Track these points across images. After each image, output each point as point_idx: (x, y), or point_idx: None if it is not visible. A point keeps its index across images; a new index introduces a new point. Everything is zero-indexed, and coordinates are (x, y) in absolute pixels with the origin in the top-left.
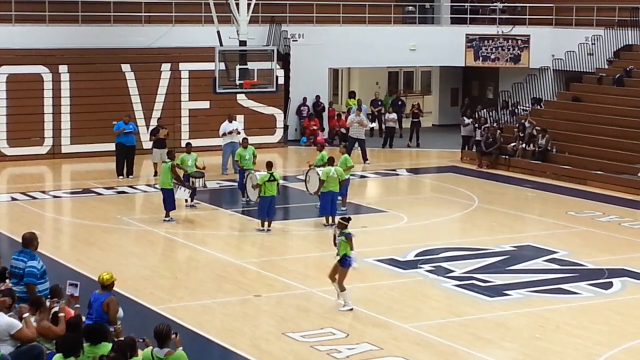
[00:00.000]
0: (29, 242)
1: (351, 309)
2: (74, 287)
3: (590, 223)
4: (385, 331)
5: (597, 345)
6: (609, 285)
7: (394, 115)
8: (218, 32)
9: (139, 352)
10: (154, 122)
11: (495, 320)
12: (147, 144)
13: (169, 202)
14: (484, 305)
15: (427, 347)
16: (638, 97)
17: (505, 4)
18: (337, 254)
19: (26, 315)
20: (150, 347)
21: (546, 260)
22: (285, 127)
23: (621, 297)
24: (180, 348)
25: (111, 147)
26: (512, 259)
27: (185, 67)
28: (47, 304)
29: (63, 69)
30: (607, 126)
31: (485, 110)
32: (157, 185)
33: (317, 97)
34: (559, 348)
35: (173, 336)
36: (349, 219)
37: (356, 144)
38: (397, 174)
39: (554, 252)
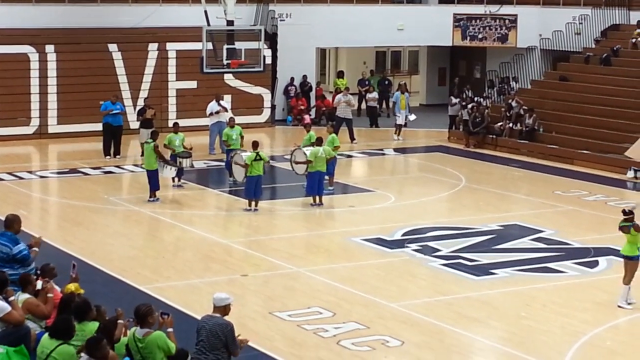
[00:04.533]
0: (10, 224)
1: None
2: (72, 268)
3: (576, 202)
4: (372, 310)
5: (583, 323)
6: (594, 264)
7: (374, 95)
8: (205, 12)
9: (128, 332)
10: (141, 102)
11: (482, 299)
12: (135, 124)
13: (154, 182)
14: (471, 284)
15: (414, 325)
16: (625, 77)
17: None
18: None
19: (12, 298)
20: (135, 327)
21: (532, 239)
22: (273, 107)
23: (607, 276)
24: (171, 329)
25: (98, 127)
26: (499, 238)
27: (172, 47)
28: (38, 283)
29: (50, 48)
30: (594, 105)
31: (472, 90)
32: (143, 166)
33: (305, 76)
34: (545, 326)
35: (165, 317)
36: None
37: (343, 124)
38: (384, 154)
39: (541, 231)
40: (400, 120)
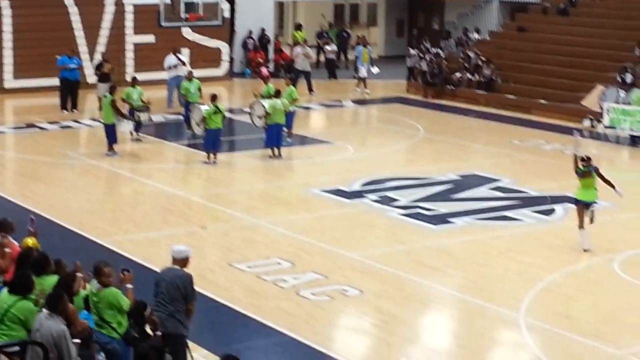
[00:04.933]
0: None
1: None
2: (30, 223)
3: (533, 151)
4: (331, 260)
5: (539, 270)
6: (551, 212)
7: (333, 47)
8: None
9: (87, 286)
10: (98, 57)
11: (440, 247)
12: (92, 79)
13: (112, 136)
14: (429, 233)
15: (373, 275)
16: (582, 27)
17: None
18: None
19: None
20: (93, 282)
21: (490, 189)
22: (231, 60)
23: (563, 223)
24: (130, 285)
25: (55, 82)
26: (457, 187)
27: (129, 1)
28: None
29: (5, 3)
30: (552, 56)
31: (430, 41)
32: (101, 120)
33: (263, 30)
34: (502, 274)
35: (126, 272)
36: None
37: (302, 76)
38: (343, 105)
39: (498, 180)
40: (363, 73)
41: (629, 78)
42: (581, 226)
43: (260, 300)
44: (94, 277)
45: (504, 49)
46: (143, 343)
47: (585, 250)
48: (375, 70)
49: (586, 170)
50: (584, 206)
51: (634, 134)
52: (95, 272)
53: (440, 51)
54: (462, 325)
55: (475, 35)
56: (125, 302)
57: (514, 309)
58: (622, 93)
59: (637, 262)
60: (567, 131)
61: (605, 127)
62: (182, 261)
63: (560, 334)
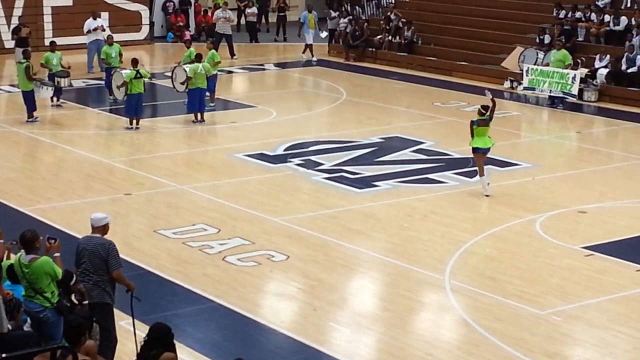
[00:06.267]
0: None
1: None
2: None
3: (455, 113)
4: (256, 225)
5: (463, 232)
6: (474, 174)
7: (254, 10)
8: None
9: (12, 256)
10: (15, 21)
11: (365, 211)
12: (9, 43)
13: (30, 103)
14: (353, 197)
15: (298, 240)
16: None
17: None
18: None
19: None
20: (21, 252)
21: (413, 151)
22: (151, 24)
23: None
24: (57, 254)
25: None
26: (380, 150)
27: None
28: None
29: None
30: (472, 17)
31: (351, 3)
32: (19, 87)
33: None
34: (427, 236)
35: (52, 241)
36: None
37: (223, 39)
38: (265, 69)
39: (421, 143)
40: (309, 40)
41: (547, 39)
42: (482, 174)
43: (187, 267)
44: (21, 247)
45: (424, 10)
46: (72, 314)
47: (486, 196)
48: (323, 34)
49: (486, 118)
50: (482, 154)
51: (553, 94)
52: (26, 242)
53: (360, 13)
54: (388, 288)
55: None
56: (59, 271)
57: (439, 272)
58: (540, 54)
59: (559, 223)
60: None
61: (525, 88)
62: (102, 228)
63: (485, 295)
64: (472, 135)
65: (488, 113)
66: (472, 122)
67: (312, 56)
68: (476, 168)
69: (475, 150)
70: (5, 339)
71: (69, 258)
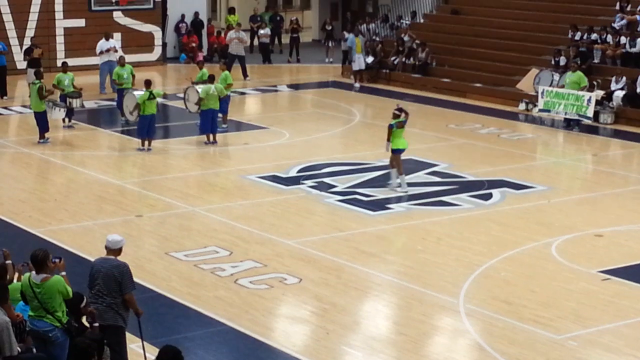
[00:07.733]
0: None
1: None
2: None
3: (470, 135)
4: (269, 248)
5: (477, 255)
6: (488, 196)
7: (267, 31)
8: None
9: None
10: (28, 42)
11: (378, 234)
12: (22, 64)
13: (42, 124)
14: (367, 219)
15: (311, 262)
16: (516, 10)
17: None
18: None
19: None
20: (29, 273)
21: (427, 173)
22: (164, 45)
23: (500, 208)
24: (63, 273)
25: None
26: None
27: None
28: None
29: None
30: (486, 39)
31: (365, 24)
32: (31, 107)
33: (196, 13)
34: (441, 260)
35: (57, 261)
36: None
37: (236, 61)
38: (278, 90)
39: (435, 165)
40: (360, 65)
41: (562, 61)
42: (402, 172)
43: (198, 290)
44: (32, 267)
45: (438, 32)
46: (81, 337)
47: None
48: (370, 59)
49: (402, 121)
50: (400, 154)
51: (568, 117)
52: (37, 262)
53: (374, 34)
54: (402, 312)
55: (408, 19)
56: (70, 290)
57: (453, 295)
58: (556, 76)
59: (574, 246)
60: (503, 115)
61: (540, 110)
62: (118, 251)
63: (500, 319)
64: (389, 139)
65: (403, 115)
66: (391, 126)
67: (362, 81)
68: (491, 192)
69: (396, 151)
70: None
71: (80, 280)
